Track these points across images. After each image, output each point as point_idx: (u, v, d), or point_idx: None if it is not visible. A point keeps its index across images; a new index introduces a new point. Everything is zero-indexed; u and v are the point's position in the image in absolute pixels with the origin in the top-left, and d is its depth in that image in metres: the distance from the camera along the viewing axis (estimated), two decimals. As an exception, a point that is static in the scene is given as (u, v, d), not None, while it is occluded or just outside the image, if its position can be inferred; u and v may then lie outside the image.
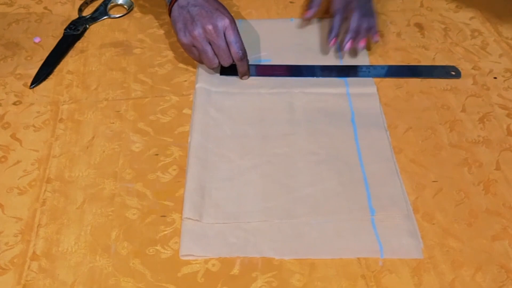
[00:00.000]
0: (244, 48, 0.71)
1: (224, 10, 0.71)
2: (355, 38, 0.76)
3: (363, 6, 0.77)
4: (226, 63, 0.71)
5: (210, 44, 0.70)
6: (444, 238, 0.57)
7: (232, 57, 0.71)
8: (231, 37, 0.70)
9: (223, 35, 0.69)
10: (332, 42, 0.76)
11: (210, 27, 0.68)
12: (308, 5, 0.82)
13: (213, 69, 0.74)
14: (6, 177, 0.63)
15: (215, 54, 0.71)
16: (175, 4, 0.72)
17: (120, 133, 0.68)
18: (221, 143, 0.66)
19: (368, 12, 0.77)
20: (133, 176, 0.63)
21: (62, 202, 0.60)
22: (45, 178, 0.63)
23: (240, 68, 0.73)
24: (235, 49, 0.70)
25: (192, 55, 0.72)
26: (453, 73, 0.76)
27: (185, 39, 0.70)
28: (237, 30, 0.70)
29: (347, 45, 0.75)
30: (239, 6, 0.87)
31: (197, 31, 0.69)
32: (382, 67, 0.77)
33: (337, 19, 0.77)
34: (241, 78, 0.74)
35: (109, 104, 0.71)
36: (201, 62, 0.73)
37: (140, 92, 0.73)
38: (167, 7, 0.74)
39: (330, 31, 0.77)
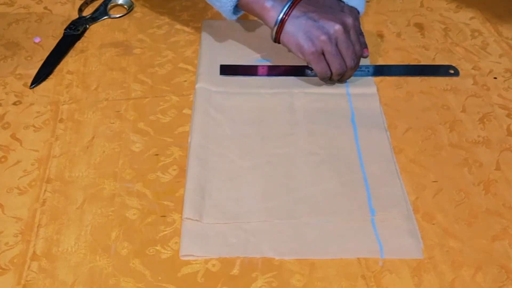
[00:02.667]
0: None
1: (346, 10, 0.68)
2: None
3: None
4: (341, 69, 0.68)
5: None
6: (444, 238, 0.57)
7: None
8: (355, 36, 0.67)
9: (350, 34, 0.67)
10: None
11: (337, 26, 0.66)
12: None
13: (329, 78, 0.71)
14: (6, 177, 0.63)
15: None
16: (289, 18, 0.67)
17: (120, 133, 0.68)
18: (221, 143, 0.66)
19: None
20: (133, 176, 0.63)
21: (62, 202, 0.60)
22: (45, 178, 0.63)
23: (346, 77, 0.71)
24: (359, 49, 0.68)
25: (320, 67, 0.69)
26: (452, 71, 0.76)
27: (313, 48, 0.67)
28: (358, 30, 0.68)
29: None
30: (239, 6, 0.87)
31: (325, 35, 0.66)
32: (379, 66, 0.77)
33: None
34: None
35: (109, 104, 0.71)
36: (327, 75, 0.70)
37: (140, 92, 0.73)
38: (273, 29, 0.69)
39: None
